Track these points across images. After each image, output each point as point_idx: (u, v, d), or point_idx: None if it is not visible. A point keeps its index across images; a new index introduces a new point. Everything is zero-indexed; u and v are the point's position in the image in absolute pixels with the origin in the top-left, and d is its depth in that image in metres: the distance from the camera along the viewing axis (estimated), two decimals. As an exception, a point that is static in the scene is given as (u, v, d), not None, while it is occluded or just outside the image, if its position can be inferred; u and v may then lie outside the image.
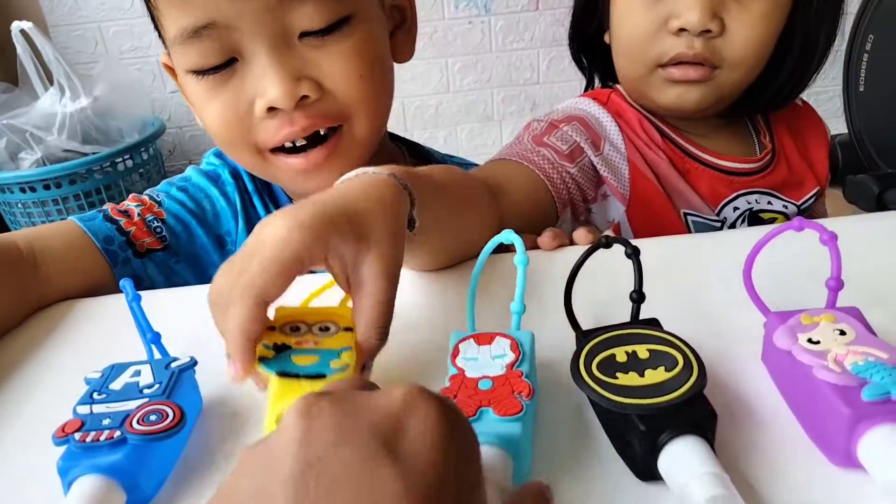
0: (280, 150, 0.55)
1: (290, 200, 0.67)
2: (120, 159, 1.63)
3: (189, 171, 0.69)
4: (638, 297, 0.39)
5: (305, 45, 0.51)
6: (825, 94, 2.21)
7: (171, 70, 0.60)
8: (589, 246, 0.42)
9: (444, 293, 0.49)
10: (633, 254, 0.40)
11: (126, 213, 0.62)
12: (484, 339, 0.37)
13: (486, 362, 0.35)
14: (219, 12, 0.49)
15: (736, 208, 0.69)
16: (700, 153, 0.69)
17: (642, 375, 0.33)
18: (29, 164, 1.54)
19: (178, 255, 0.63)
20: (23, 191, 1.55)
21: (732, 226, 0.69)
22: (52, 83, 1.56)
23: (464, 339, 0.37)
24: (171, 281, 0.63)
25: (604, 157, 0.66)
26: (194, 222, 0.64)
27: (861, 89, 1.81)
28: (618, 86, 0.73)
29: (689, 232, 0.68)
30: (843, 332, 0.35)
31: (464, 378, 0.34)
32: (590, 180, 0.66)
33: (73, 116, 1.54)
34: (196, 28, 0.50)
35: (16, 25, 1.47)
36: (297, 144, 0.54)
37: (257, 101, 0.52)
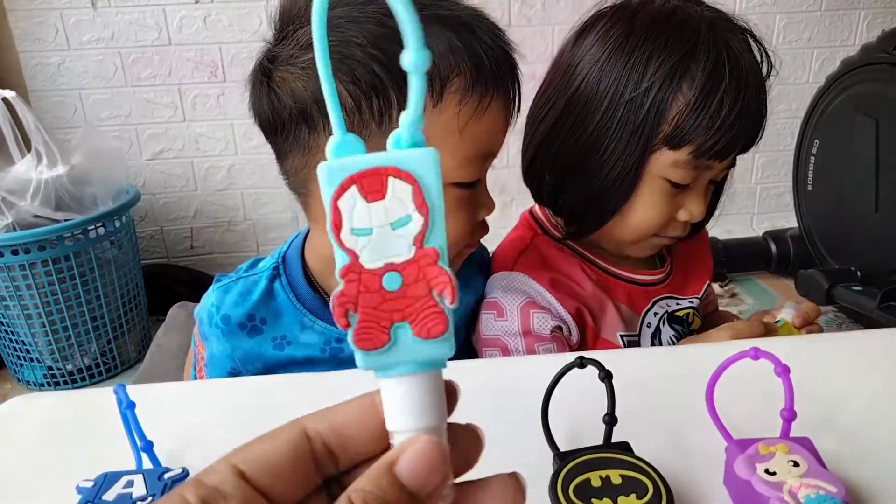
0: None
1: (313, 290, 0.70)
2: (92, 227, 1.63)
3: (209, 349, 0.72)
4: (610, 419, 0.42)
5: None
6: (776, 190, 2.34)
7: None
8: (564, 365, 0.46)
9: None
10: (606, 377, 0.43)
11: None
12: (372, 183, 0.22)
13: (384, 236, 0.22)
14: (499, 148, 0.65)
15: (655, 313, 0.81)
16: (619, 271, 0.81)
17: (615, 502, 0.36)
18: (-2, 228, 1.53)
19: None
20: (-11, 255, 1.54)
21: (657, 328, 0.81)
22: (29, 150, 1.56)
23: (345, 183, 0.22)
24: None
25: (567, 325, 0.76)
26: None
27: (809, 188, 1.93)
28: (541, 220, 0.82)
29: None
30: (796, 464, 0.38)
31: (361, 271, 0.22)
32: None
33: (48, 183, 1.54)
34: (490, 153, 0.63)
35: (-1, 94, 1.49)
36: None
37: (480, 211, 0.67)
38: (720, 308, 0.99)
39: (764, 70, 0.70)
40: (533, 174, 0.78)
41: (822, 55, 2.21)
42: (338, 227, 0.22)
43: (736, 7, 2.13)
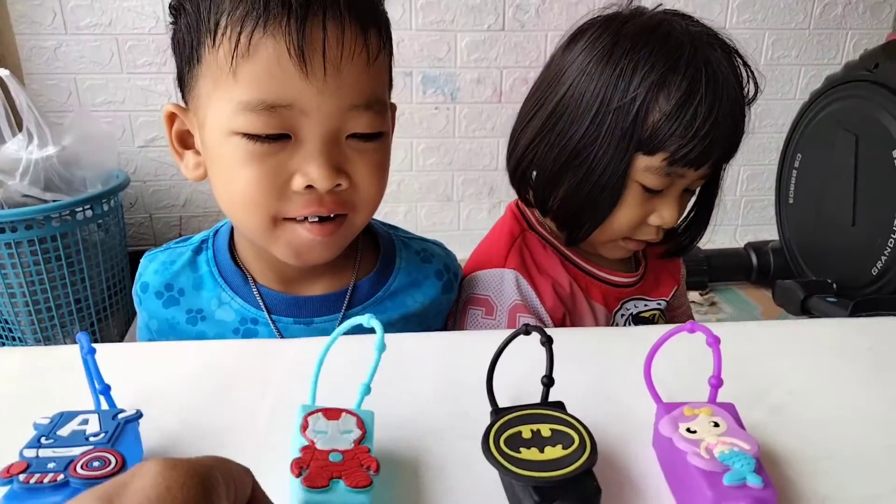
0: (291, 219, 0.60)
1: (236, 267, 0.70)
2: (80, 209, 1.64)
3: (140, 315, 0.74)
4: (548, 381, 0.44)
5: (349, 145, 0.59)
6: (761, 203, 2.37)
7: (172, 119, 0.63)
8: (511, 332, 0.48)
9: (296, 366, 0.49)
10: (547, 342, 0.45)
11: None
12: (332, 414, 0.40)
13: (335, 436, 0.39)
14: (300, 99, 0.55)
15: (622, 315, 0.84)
16: (596, 271, 0.83)
17: (542, 451, 0.38)
18: (-15, 206, 1.54)
19: None
20: (-25, 232, 1.55)
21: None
22: (21, 129, 1.58)
23: (312, 413, 0.40)
24: None
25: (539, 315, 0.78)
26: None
27: (791, 202, 1.96)
28: (527, 215, 0.84)
29: None
30: (717, 425, 0.40)
31: (315, 450, 0.37)
32: None
33: (38, 163, 1.56)
34: (274, 105, 0.54)
35: (-8, 72, 1.50)
36: (310, 220, 0.60)
37: (297, 178, 0.57)
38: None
39: (750, 89, 0.72)
40: (519, 176, 0.79)
41: (809, 72, 2.25)
42: (304, 427, 0.39)
43: (726, 22, 2.16)
